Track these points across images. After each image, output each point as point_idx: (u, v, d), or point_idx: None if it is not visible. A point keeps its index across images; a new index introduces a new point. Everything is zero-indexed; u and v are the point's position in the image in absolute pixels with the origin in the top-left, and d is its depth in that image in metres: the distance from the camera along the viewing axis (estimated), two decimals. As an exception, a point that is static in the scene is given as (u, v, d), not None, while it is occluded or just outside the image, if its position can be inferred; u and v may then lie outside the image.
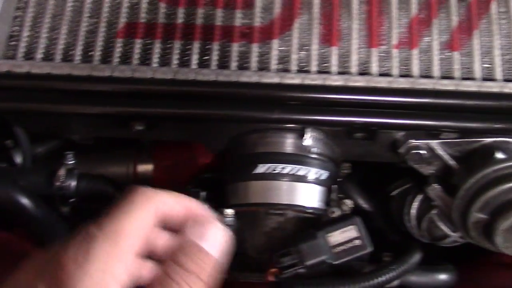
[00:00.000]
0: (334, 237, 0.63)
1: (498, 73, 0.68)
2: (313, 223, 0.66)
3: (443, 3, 0.72)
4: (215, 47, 0.70)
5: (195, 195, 0.67)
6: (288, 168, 0.68)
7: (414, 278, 0.68)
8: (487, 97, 0.67)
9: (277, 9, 0.72)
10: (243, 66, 0.69)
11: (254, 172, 0.68)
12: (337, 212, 0.67)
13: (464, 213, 0.63)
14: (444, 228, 0.70)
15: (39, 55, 0.70)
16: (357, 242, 0.63)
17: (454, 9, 0.72)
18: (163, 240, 0.48)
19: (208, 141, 0.74)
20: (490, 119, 0.66)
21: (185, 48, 0.70)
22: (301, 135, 0.68)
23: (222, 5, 0.72)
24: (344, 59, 0.70)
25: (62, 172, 0.74)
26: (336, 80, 0.68)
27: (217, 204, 0.66)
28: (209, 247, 0.47)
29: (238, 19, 0.72)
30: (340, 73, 0.69)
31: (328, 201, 0.70)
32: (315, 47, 0.70)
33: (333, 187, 0.71)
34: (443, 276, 0.70)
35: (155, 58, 0.70)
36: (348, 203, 0.71)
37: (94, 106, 0.69)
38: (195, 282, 0.45)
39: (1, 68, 0.69)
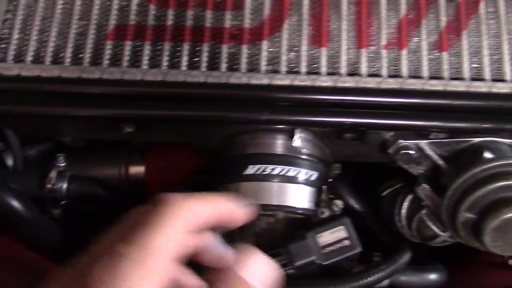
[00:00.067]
0: (324, 237, 0.63)
1: (487, 73, 0.69)
2: (303, 224, 0.67)
3: (432, 4, 0.72)
4: (205, 48, 0.70)
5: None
6: (278, 169, 0.68)
7: (404, 278, 0.68)
8: (476, 97, 0.67)
9: (266, 10, 0.72)
10: (232, 67, 0.70)
11: (244, 173, 0.68)
12: (326, 213, 0.67)
13: (453, 212, 0.64)
14: (434, 228, 0.70)
15: (29, 57, 0.70)
16: (346, 242, 0.63)
17: (443, 9, 0.72)
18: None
19: (198, 142, 0.74)
20: (478, 119, 0.67)
21: (175, 50, 0.70)
22: (291, 136, 0.69)
23: (212, 7, 0.72)
24: (333, 60, 0.70)
25: (53, 174, 0.74)
26: (325, 81, 0.68)
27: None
28: (255, 282, 0.44)
29: (228, 21, 0.72)
30: (329, 74, 0.69)
31: (318, 201, 0.70)
32: (304, 48, 0.70)
33: (323, 188, 0.71)
34: (433, 276, 0.70)
35: (145, 60, 0.70)
36: (339, 203, 0.71)
37: (84, 108, 0.69)
38: None
39: (-9, 71, 0.69)
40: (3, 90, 0.69)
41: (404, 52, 0.70)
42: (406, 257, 0.66)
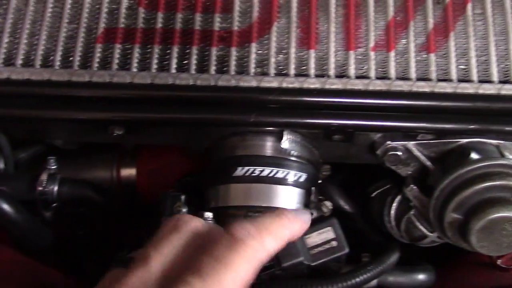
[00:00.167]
0: (311, 238, 0.63)
1: (474, 75, 0.69)
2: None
3: (419, 6, 0.73)
4: (194, 51, 0.71)
5: (176, 199, 0.68)
6: (267, 171, 0.68)
7: (392, 279, 0.69)
8: (463, 98, 0.68)
9: (255, 13, 0.73)
10: (221, 70, 0.70)
11: (233, 175, 0.68)
12: (315, 214, 0.68)
13: (440, 213, 0.64)
14: (422, 228, 0.71)
15: (19, 61, 0.71)
16: (334, 243, 0.63)
17: (430, 11, 0.72)
18: None
19: (188, 144, 0.74)
20: (465, 120, 0.67)
21: (164, 53, 0.71)
22: (280, 138, 0.69)
23: (201, 10, 0.73)
24: (322, 62, 0.70)
25: (44, 177, 0.74)
26: (313, 83, 0.69)
27: (197, 207, 0.67)
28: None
29: (217, 23, 0.72)
30: (317, 76, 0.69)
31: (307, 203, 0.70)
32: (293, 51, 0.71)
33: (313, 189, 0.71)
34: (421, 276, 0.70)
35: (134, 63, 0.70)
36: (328, 204, 0.71)
37: (74, 111, 0.69)
38: None
39: (-19, 75, 0.70)
40: (-7, 94, 0.70)
41: (392, 54, 0.70)
42: (394, 258, 0.67)
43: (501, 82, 0.69)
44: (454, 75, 0.69)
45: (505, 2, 0.72)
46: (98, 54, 0.71)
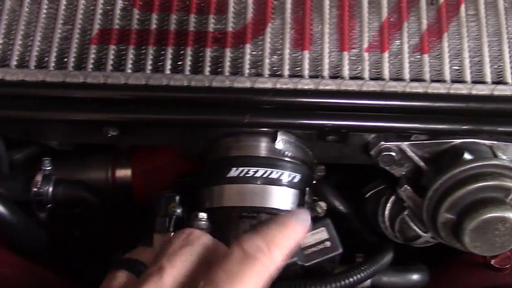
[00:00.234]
0: (305, 239, 0.64)
1: (467, 75, 0.69)
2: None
3: (413, 7, 0.73)
4: (188, 52, 0.71)
5: (170, 199, 0.68)
6: (261, 172, 0.68)
7: (385, 279, 0.69)
8: (456, 99, 0.68)
9: (249, 14, 0.73)
10: (216, 71, 0.70)
11: (228, 175, 0.68)
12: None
13: (433, 213, 0.64)
14: (416, 228, 0.71)
15: (13, 62, 0.71)
16: (328, 243, 0.64)
17: (424, 12, 0.73)
18: None
19: (183, 145, 0.74)
20: (458, 121, 0.67)
21: (159, 54, 0.71)
22: (274, 139, 0.69)
23: (195, 11, 0.73)
24: (316, 63, 0.70)
25: (38, 178, 0.74)
26: (307, 84, 0.69)
27: (192, 208, 0.67)
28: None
29: (211, 25, 0.72)
30: (312, 77, 0.70)
31: (301, 203, 0.70)
32: (287, 51, 0.71)
33: (307, 190, 0.71)
34: (415, 276, 0.71)
35: (129, 64, 0.70)
36: (322, 205, 0.71)
37: (68, 112, 0.69)
38: None
39: (-24, 76, 0.70)
40: (-13, 95, 0.70)
41: (385, 54, 0.71)
42: (388, 258, 0.67)
43: (494, 82, 0.69)
44: (447, 75, 0.69)
45: (498, 3, 0.73)
46: (93, 55, 0.71)
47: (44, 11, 0.73)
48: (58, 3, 0.74)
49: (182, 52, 0.71)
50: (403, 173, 0.70)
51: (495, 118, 0.68)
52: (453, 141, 0.68)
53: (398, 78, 0.69)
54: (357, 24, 0.72)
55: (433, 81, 0.69)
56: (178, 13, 0.73)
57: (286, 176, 0.69)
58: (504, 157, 0.66)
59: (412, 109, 0.68)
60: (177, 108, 0.69)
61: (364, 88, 0.69)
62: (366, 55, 0.71)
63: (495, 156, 0.66)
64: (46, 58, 0.71)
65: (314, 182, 0.75)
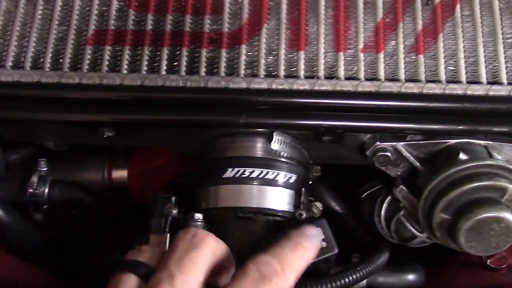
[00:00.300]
0: None
1: (463, 76, 0.69)
2: (281, 227, 0.67)
3: (408, 7, 0.73)
4: (184, 53, 0.71)
5: (166, 200, 0.68)
6: (257, 172, 0.68)
7: (381, 279, 0.69)
8: (451, 99, 0.68)
9: (245, 14, 0.73)
10: (212, 71, 0.70)
11: (223, 176, 0.68)
12: (305, 215, 0.68)
13: (429, 213, 0.64)
14: (412, 229, 0.71)
15: (8, 63, 0.71)
16: (324, 244, 0.63)
17: (419, 12, 0.73)
18: None
19: (179, 146, 0.74)
20: (454, 121, 0.67)
21: (154, 55, 0.71)
22: (270, 139, 0.69)
23: (191, 11, 0.73)
24: (311, 63, 0.71)
25: (34, 179, 0.74)
26: (303, 85, 0.69)
27: (188, 208, 0.67)
28: None
29: (207, 25, 0.72)
30: (307, 77, 0.70)
31: (297, 204, 0.70)
32: (282, 52, 0.71)
33: (303, 190, 0.71)
34: (411, 276, 0.71)
35: (125, 65, 0.70)
36: (318, 205, 0.71)
37: (63, 113, 0.69)
38: None
39: (-29, 77, 0.69)
40: (-18, 96, 0.70)
41: (381, 55, 0.71)
42: (383, 258, 0.67)
43: (489, 83, 0.69)
44: (443, 76, 0.69)
45: (494, 4, 0.73)
46: (88, 56, 0.71)
47: (40, 12, 0.73)
48: (54, 4, 0.74)
49: (177, 52, 0.71)
50: (399, 173, 0.70)
51: (490, 118, 0.68)
52: (448, 141, 0.68)
53: (393, 78, 0.70)
54: (353, 24, 0.72)
55: (428, 81, 0.69)
56: (174, 14, 0.73)
57: (282, 176, 0.69)
58: (499, 157, 0.67)
59: (408, 109, 0.68)
60: (173, 109, 0.69)
61: (360, 89, 0.69)
62: (361, 55, 0.71)
63: (490, 156, 0.66)
64: (42, 59, 0.71)
65: (310, 182, 0.75)
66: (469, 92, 0.68)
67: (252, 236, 0.68)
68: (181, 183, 0.80)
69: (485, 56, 0.70)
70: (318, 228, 0.61)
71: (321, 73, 0.70)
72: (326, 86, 0.69)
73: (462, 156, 0.65)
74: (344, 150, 0.72)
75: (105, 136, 0.70)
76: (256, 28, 0.72)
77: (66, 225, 0.84)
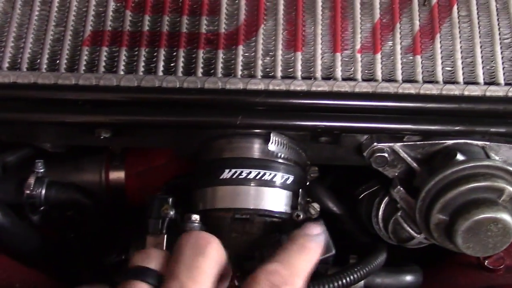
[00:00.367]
0: None
1: (460, 76, 0.69)
2: (278, 228, 0.67)
3: (405, 8, 0.73)
4: (181, 54, 0.71)
5: (163, 201, 0.68)
6: (254, 173, 0.68)
7: (379, 280, 0.69)
8: (448, 100, 0.68)
9: (242, 15, 0.73)
10: (208, 72, 0.70)
11: (221, 177, 0.68)
12: (302, 216, 0.68)
13: (426, 214, 0.64)
14: (409, 229, 0.71)
15: (5, 64, 0.71)
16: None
17: (416, 13, 0.73)
18: None
19: (176, 147, 0.74)
20: (451, 122, 0.67)
21: (151, 55, 0.71)
22: (267, 140, 0.69)
23: (188, 12, 0.73)
24: (308, 64, 0.71)
25: (31, 180, 0.74)
26: (300, 85, 0.69)
27: (185, 209, 0.67)
28: None
29: (204, 26, 0.72)
30: (304, 78, 0.70)
31: (295, 205, 0.70)
32: (279, 53, 0.71)
33: (300, 191, 0.71)
34: (408, 277, 0.71)
35: (121, 66, 0.70)
36: (316, 206, 0.71)
37: (60, 114, 0.69)
38: None
39: (-33, 78, 0.69)
40: (-21, 97, 0.69)
41: (378, 56, 0.71)
42: (381, 259, 0.67)
43: (486, 83, 0.69)
44: (440, 77, 0.69)
45: (491, 4, 0.73)
46: (85, 57, 0.71)
47: (36, 13, 0.73)
48: (50, 5, 0.74)
49: (174, 53, 0.71)
50: (396, 174, 0.70)
51: (487, 119, 0.68)
52: (445, 142, 0.68)
53: (390, 79, 0.70)
54: (350, 25, 0.72)
55: (425, 82, 0.69)
56: (171, 15, 0.73)
57: (279, 177, 0.69)
58: (496, 157, 0.67)
59: (405, 110, 0.68)
60: (170, 110, 0.69)
61: (357, 89, 0.69)
62: (358, 56, 0.71)
63: (488, 157, 0.66)
64: (38, 60, 0.71)
65: (308, 183, 0.74)
66: (466, 93, 0.68)
67: (249, 237, 0.68)
68: (178, 184, 0.80)
69: (482, 57, 0.70)
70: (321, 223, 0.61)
71: (318, 74, 0.70)
72: (323, 86, 0.69)
73: (459, 156, 0.64)
74: (341, 151, 0.72)
75: (102, 137, 0.70)
76: (253, 29, 0.72)
77: (63, 226, 0.83)
